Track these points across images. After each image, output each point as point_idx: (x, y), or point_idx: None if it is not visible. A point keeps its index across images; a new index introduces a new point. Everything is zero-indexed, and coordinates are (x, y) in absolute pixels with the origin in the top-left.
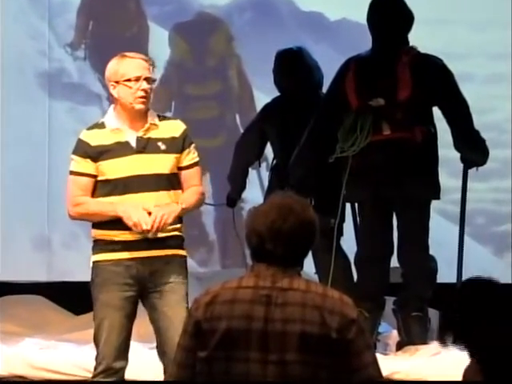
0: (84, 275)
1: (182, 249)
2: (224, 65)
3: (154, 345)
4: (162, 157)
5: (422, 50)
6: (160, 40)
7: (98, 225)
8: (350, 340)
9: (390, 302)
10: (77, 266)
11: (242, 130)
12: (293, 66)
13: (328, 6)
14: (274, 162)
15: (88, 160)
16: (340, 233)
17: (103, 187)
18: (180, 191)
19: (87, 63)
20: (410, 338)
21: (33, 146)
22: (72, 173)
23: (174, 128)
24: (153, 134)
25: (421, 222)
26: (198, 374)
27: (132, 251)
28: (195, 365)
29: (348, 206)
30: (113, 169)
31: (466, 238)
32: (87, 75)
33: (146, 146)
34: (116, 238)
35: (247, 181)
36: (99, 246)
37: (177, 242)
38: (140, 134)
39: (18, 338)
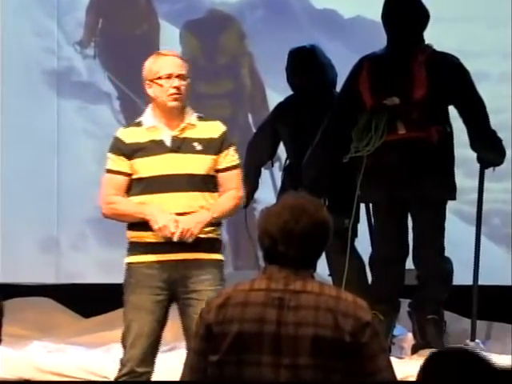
0: (93, 277)
1: (218, 252)
2: (236, 63)
3: (167, 347)
4: (197, 157)
5: (438, 48)
6: (171, 38)
7: (132, 226)
8: (364, 343)
9: (405, 304)
10: (86, 268)
11: (254, 130)
12: (306, 65)
13: (342, 4)
14: (287, 161)
15: (122, 158)
16: (354, 234)
17: (137, 186)
18: (216, 194)
19: (97, 61)
20: (426, 341)
21: (41, 146)
22: (107, 171)
23: (212, 129)
24: (189, 134)
25: (436, 222)
26: (210, 378)
27: (165, 253)
28: (206, 368)
29: (362, 206)
30: (146, 167)
31: (483, 239)
32: (97, 74)
33: (180, 145)
34: (149, 240)
35: (260, 181)
36: (133, 247)
37: (212, 245)
38: (175, 133)
39: (25, 341)
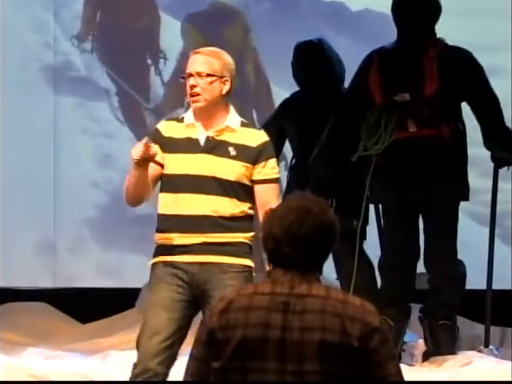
0: (91, 281)
1: (245, 257)
2: (240, 58)
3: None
4: (229, 162)
5: (450, 41)
6: (172, 31)
7: (158, 228)
8: (373, 349)
9: (416, 309)
10: (84, 272)
11: (258, 127)
12: (313, 59)
13: None
14: (293, 160)
15: (157, 146)
16: (363, 236)
17: (164, 182)
18: (249, 204)
19: (95, 56)
20: (438, 347)
21: (37, 145)
22: None
23: (252, 137)
24: (226, 137)
25: (449, 224)
26: None
27: (188, 255)
28: (209, 376)
29: (371, 207)
30: (176, 164)
31: (497, 241)
32: (95, 69)
33: (214, 147)
34: (174, 242)
35: None
36: (158, 249)
37: (239, 249)
38: (211, 133)
39: (20, 347)
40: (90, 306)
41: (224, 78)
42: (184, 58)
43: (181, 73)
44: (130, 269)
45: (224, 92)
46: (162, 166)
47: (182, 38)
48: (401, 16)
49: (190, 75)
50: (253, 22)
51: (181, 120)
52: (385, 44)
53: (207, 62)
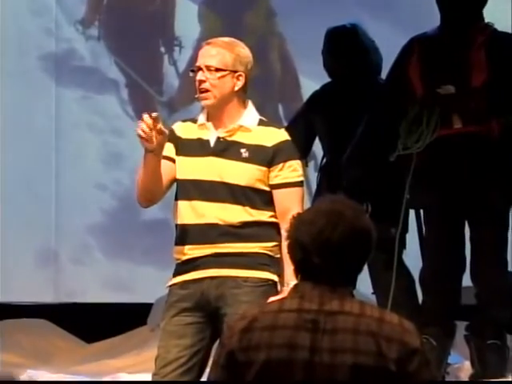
0: (97, 296)
1: (265, 270)
2: (264, 45)
3: None
4: (240, 165)
5: (500, 27)
6: (188, 15)
7: (175, 241)
8: (412, 373)
9: (461, 327)
10: (88, 285)
11: (285, 123)
12: (346, 47)
13: None
14: (324, 160)
15: (171, 145)
16: (402, 245)
17: (178, 189)
18: (268, 212)
19: (101, 43)
20: (486, 370)
21: (37, 143)
22: None
23: (268, 136)
24: (239, 138)
25: (498, 232)
26: None
27: (198, 270)
28: None
29: (412, 213)
30: (186, 168)
31: None
32: (101, 58)
33: (225, 149)
34: (184, 257)
35: None
36: (175, 268)
37: (255, 260)
38: (222, 134)
39: (18, 369)
40: (95, 324)
41: (237, 73)
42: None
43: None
44: (141, 282)
45: (237, 88)
46: (174, 162)
47: (199, 23)
48: None
49: (199, 69)
50: (278, 4)
51: (195, 120)
52: (427, 30)
53: (218, 54)
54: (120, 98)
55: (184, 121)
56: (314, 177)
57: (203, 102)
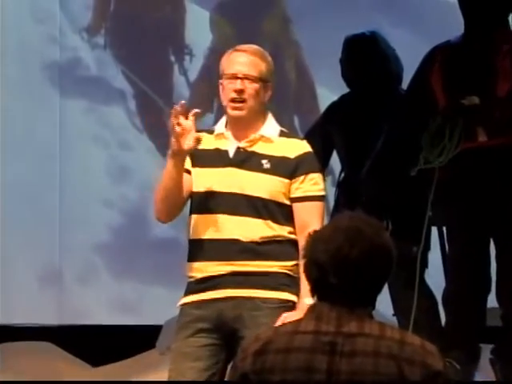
0: (103, 317)
1: (284, 290)
2: (279, 53)
3: None
4: (261, 177)
5: None
6: (199, 23)
7: (187, 257)
8: None
9: (486, 350)
10: (94, 306)
11: (301, 136)
12: (365, 56)
13: None
14: (342, 174)
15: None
16: (424, 264)
17: (194, 202)
18: (288, 227)
19: (108, 52)
20: None
21: (40, 156)
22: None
23: (290, 147)
24: (260, 149)
25: None
26: None
27: (216, 289)
28: None
29: (434, 230)
30: (203, 179)
31: None
32: (108, 67)
33: (245, 160)
34: (200, 274)
35: None
36: (187, 286)
37: (275, 280)
38: (242, 144)
39: None
40: (101, 347)
41: (269, 83)
42: (213, 55)
43: (209, 72)
44: (150, 303)
45: (267, 99)
46: (190, 173)
47: (211, 30)
48: (469, 4)
49: (236, 77)
50: (294, 11)
51: (211, 130)
52: (449, 37)
53: (255, 63)
54: (127, 110)
55: (197, 131)
56: (331, 192)
57: (235, 113)
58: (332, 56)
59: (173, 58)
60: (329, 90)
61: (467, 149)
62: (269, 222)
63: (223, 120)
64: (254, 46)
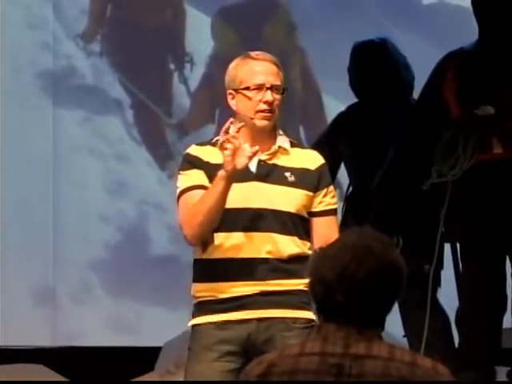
0: (99, 338)
1: (309, 309)
2: (284, 61)
3: None
4: (289, 190)
5: None
6: (200, 29)
7: (199, 277)
8: None
9: (502, 372)
10: (90, 327)
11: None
12: (374, 64)
13: None
14: (350, 189)
15: (201, 172)
16: (436, 282)
17: None
18: (308, 243)
19: (104, 60)
20: None
21: (32, 170)
22: (183, 192)
23: (308, 158)
24: (280, 161)
25: None
26: None
27: (243, 310)
28: None
29: (447, 247)
30: None
31: None
32: (104, 75)
33: (269, 173)
34: (223, 295)
35: None
36: (201, 306)
37: (301, 298)
38: (263, 157)
39: None
40: (97, 369)
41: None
42: (215, 63)
43: (210, 80)
44: (148, 323)
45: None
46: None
47: (213, 37)
48: (483, 10)
49: (263, 88)
50: (299, 16)
51: (215, 144)
52: (463, 44)
53: (278, 72)
54: (125, 120)
55: (201, 144)
56: (338, 207)
57: (264, 123)
58: (339, 64)
59: (172, 66)
60: (336, 100)
61: (482, 161)
62: (295, 238)
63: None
64: (267, 54)
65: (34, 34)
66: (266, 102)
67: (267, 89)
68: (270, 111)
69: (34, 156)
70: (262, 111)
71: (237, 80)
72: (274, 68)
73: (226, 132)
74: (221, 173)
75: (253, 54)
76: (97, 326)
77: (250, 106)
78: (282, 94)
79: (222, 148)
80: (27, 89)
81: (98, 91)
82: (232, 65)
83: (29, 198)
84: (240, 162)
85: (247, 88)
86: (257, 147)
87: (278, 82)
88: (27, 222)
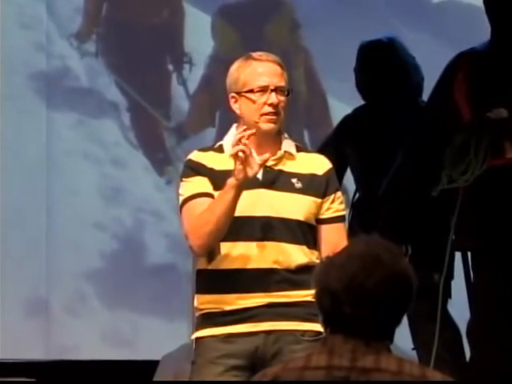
0: (94, 352)
1: (317, 321)
2: (287, 62)
3: None
4: (297, 197)
5: None
6: (200, 28)
7: (202, 289)
8: None
9: None
10: (85, 340)
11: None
12: (382, 64)
13: None
14: (356, 195)
15: (205, 179)
16: (447, 293)
17: None
18: (316, 251)
19: (99, 60)
20: None
21: (25, 175)
22: (186, 200)
23: (315, 163)
24: (286, 167)
25: None
26: None
27: (250, 322)
28: None
29: (458, 256)
30: None
31: None
32: (99, 77)
33: (275, 179)
34: (228, 307)
35: None
36: (204, 318)
37: (310, 310)
38: (269, 163)
39: None
40: None
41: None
42: (215, 63)
43: (210, 82)
44: (146, 335)
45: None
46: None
47: (213, 36)
48: (496, 8)
49: (267, 90)
50: (303, 15)
51: (219, 149)
52: (475, 44)
53: (282, 73)
54: (121, 124)
55: (203, 150)
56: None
57: (270, 126)
58: (345, 64)
59: (171, 67)
60: (342, 102)
61: (494, 166)
62: (304, 247)
63: (230, 136)
64: (271, 54)
65: (26, 33)
66: (270, 105)
67: (272, 91)
68: (276, 114)
69: (26, 161)
70: (267, 114)
71: (239, 82)
72: (278, 69)
73: (239, 141)
74: (231, 181)
75: (255, 54)
76: (92, 338)
77: (255, 109)
78: (287, 95)
79: (236, 157)
80: (20, 91)
81: (94, 93)
82: (234, 67)
83: (21, 204)
84: (251, 171)
85: (251, 91)
86: (267, 155)
87: (282, 84)
88: (19, 229)
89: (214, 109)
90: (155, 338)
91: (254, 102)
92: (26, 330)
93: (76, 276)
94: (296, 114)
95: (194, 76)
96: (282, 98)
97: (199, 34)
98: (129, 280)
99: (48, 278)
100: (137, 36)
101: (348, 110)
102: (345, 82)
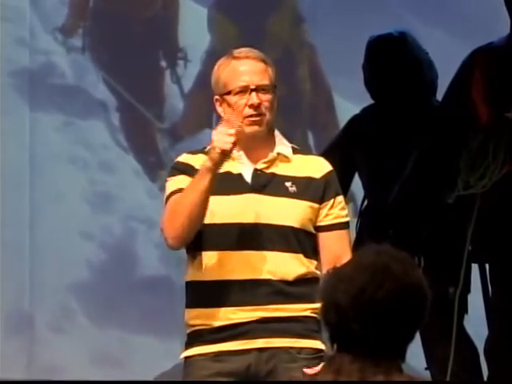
0: (81, 371)
1: (316, 338)
2: (290, 58)
3: None
4: (291, 202)
5: None
6: (196, 22)
7: (191, 303)
8: None
9: None
10: (71, 358)
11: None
12: (392, 61)
13: None
14: (365, 202)
15: (191, 179)
16: (463, 308)
17: (203, 236)
18: (315, 261)
19: (87, 56)
20: None
21: (6, 181)
22: (168, 197)
23: (313, 165)
24: (279, 170)
25: None
26: None
27: (242, 339)
28: None
29: (475, 268)
30: (216, 209)
31: None
32: (86, 74)
33: (266, 183)
34: (218, 322)
35: None
36: (193, 336)
37: (308, 326)
38: (260, 165)
39: None
40: None
41: (276, 90)
42: (211, 60)
43: (207, 80)
44: (136, 354)
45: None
46: None
47: (210, 31)
48: None
49: (247, 90)
50: (307, 8)
51: (208, 152)
52: (493, 39)
53: (264, 69)
54: (110, 125)
55: (192, 152)
56: (352, 223)
57: (253, 128)
58: (353, 61)
59: (164, 64)
60: (349, 101)
61: None
62: (300, 256)
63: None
64: (252, 49)
65: (7, 27)
66: (251, 106)
67: (252, 90)
68: (259, 115)
69: (7, 165)
70: (250, 116)
71: (220, 84)
72: (259, 65)
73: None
74: (205, 164)
75: (236, 52)
76: (79, 357)
77: (235, 112)
78: (274, 92)
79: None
80: (0, 89)
81: (80, 92)
82: (215, 66)
83: (2, 212)
84: (224, 142)
85: (231, 92)
86: (239, 123)
87: (264, 81)
88: (0, 238)
89: (211, 109)
90: (147, 356)
91: (235, 103)
92: (7, 347)
93: (61, 289)
94: (300, 114)
95: (190, 73)
96: (266, 97)
97: (195, 27)
98: (118, 293)
99: (31, 291)
100: (127, 30)
101: (356, 110)
102: (352, 80)
